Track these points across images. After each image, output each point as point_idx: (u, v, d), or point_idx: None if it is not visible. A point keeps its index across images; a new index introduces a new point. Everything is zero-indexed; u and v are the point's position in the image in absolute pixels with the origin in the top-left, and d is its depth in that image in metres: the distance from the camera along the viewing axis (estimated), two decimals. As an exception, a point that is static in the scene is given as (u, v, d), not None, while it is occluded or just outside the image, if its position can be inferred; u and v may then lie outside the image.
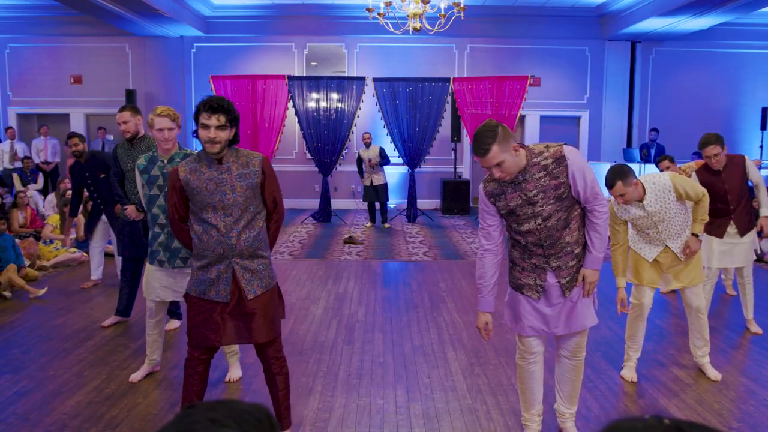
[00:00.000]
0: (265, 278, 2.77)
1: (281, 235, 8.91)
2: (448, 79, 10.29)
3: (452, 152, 11.73)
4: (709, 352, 3.86)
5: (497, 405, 3.39)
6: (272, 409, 2.95)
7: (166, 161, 3.54)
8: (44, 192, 10.54)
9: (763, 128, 11.18)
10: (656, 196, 3.44)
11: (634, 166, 9.13)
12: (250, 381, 3.74)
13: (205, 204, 2.67)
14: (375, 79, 10.26)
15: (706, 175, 4.47)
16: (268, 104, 10.03)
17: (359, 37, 11.97)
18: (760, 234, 6.72)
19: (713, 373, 3.75)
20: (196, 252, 2.76)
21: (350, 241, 8.37)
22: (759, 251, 4.86)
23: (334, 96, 10.20)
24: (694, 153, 10.38)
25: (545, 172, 2.59)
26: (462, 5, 8.31)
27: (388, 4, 8.29)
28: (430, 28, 8.86)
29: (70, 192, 7.78)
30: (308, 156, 11.33)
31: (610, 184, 3.32)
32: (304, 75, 11.58)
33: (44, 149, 11.28)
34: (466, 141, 11.48)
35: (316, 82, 10.29)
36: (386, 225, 9.84)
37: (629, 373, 3.76)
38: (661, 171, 5.56)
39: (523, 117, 12.06)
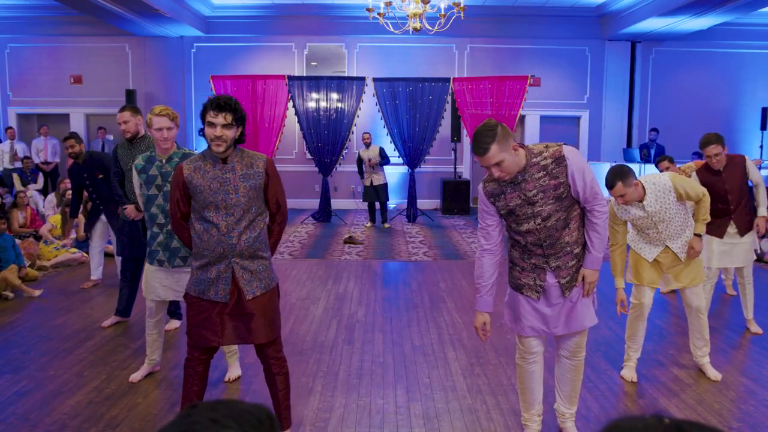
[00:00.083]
0: (264, 279, 2.77)
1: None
2: (448, 79, 10.29)
3: (452, 152, 11.73)
4: (709, 352, 3.86)
5: (497, 405, 3.39)
6: (272, 409, 2.95)
7: (164, 161, 3.54)
8: (44, 192, 10.54)
9: (763, 128, 11.18)
10: (656, 196, 3.44)
11: (634, 166, 9.14)
12: (250, 381, 3.74)
13: (207, 203, 2.67)
14: (375, 79, 10.26)
15: (707, 175, 4.47)
16: (268, 104, 10.03)
17: (359, 37, 11.97)
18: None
19: (713, 373, 3.75)
20: (196, 251, 2.76)
21: (350, 241, 8.37)
22: (759, 251, 4.85)
23: (334, 96, 10.20)
24: (694, 153, 10.38)
25: (545, 172, 2.59)
26: (462, 5, 8.31)
27: (388, 4, 8.29)
28: (430, 28, 8.86)
29: (70, 192, 7.80)
30: (308, 156, 11.33)
31: (610, 185, 3.32)
32: (304, 75, 11.59)
33: (44, 149, 11.28)
34: (466, 141, 11.48)
35: (316, 82, 10.29)
36: (386, 225, 9.84)
37: (629, 373, 3.76)
38: (661, 171, 5.56)
39: (523, 117, 12.06)
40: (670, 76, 12.27)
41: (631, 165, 8.79)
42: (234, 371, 3.76)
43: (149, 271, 3.61)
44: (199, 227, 2.72)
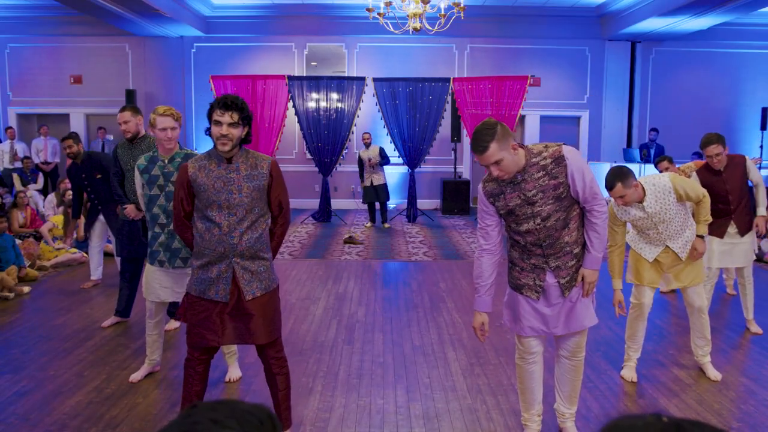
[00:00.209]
0: (265, 280, 2.77)
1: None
2: (448, 79, 10.29)
3: (452, 152, 11.73)
4: (710, 351, 3.86)
5: (497, 405, 3.39)
6: (272, 409, 2.95)
7: (166, 161, 3.54)
8: (44, 192, 10.54)
9: (763, 128, 11.18)
10: (656, 197, 3.44)
11: (634, 166, 9.14)
12: (250, 381, 3.74)
13: (210, 202, 2.68)
14: (375, 79, 10.26)
15: (707, 175, 4.47)
16: (268, 104, 10.03)
17: (359, 37, 11.97)
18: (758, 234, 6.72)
19: (713, 373, 3.75)
20: (197, 250, 2.77)
21: (350, 241, 8.37)
22: (757, 251, 4.85)
23: (334, 96, 10.20)
24: (694, 153, 10.39)
25: (544, 172, 2.59)
26: (462, 5, 8.31)
27: (388, 4, 8.29)
28: (430, 28, 8.86)
29: (69, 192, 7.80)
30: (308, 156, 11.33)
31: (609, 186, 3.32)
32: (304, 75, 11.59)
33: (44, 149, 11.28)
34: (466, 141, 11.48)
35: (316, 82, 10.29)
36: (386, 225, 9.84)
37: (629, 373, 3.76)
38: (660, 171, 5.56)
39: (523, 117, 12.06)
40: (670, 76, 12.27)
41: (631, 165, 8.81)
42: (234, 372, 3.76)
43: (149, 271, 3.61)
44: (201, 226, 2.73)
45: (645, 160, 9.87)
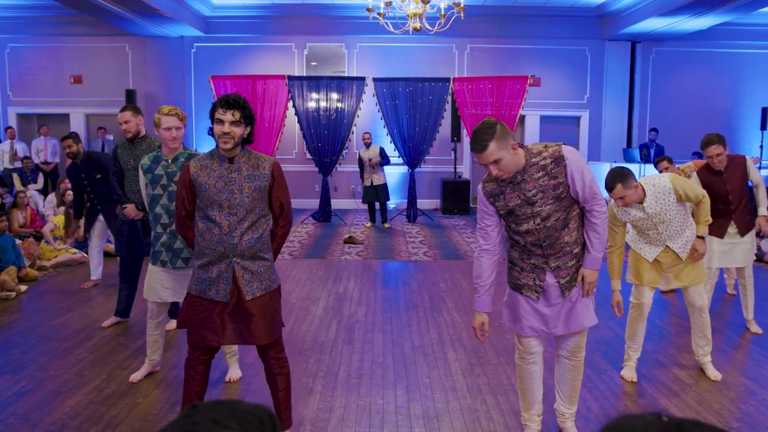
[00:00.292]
0: (265, 281, 2.77)
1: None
2: (448, 79, 10.29)
3: (452, 152, 11.73)
4: (711, 351, 3.86)
5: (497, 405, 3.39)
6: (273, 409, 2.95)
7: (170, 161, 3.54)
8: (44, 192, 10.54)
9: (763, 128, 11.18)
10: (656, 198, 3.44)
11: (634, 167, 9.14)
12: (250, 381, 3.74)
13: (211, 201, 2.69)
14: (375, 79, 10.26)
15: (708, 175, 4.47)
16: (268, 104, 10.03)
17: (359, 37, 11.97)
18: (759, 234, 6.72)
19: (713, 373, 3.75)
20: (197, 250, 2.77)
21: (350, 241, 8.37)
22: (756, 251, 4.86)
23: (334, 96, 10.20)
24: (695, 153, 10.39)
25: (544, 172, 2.59)
26: (462, 5, 8.31)
27: (388, 4, 8.29)
28: (430, 28, 8.86)
29: (69, 192, 7.80)
30: (308, 156, 11.33)
31: (609, 187, 3.31)
32: (304, 75, 11.59)
33: (44, 149, 11.28)
34: (466, 141, 11.48)
35: (316, 82, 10.29)
36: (386, 225, 9.84)
37: (629, 373, 3.76)
38: (660, 171, 5.56)
39: (523, 117, 12.06)
40: (670, 76, 12.28)
41: (631, 165, 8.81)
42: (234, 372, 3.76)
43: (151, 272, 3.61)
44: (202, 226, 2.73)
45: (645, 160, 9.86)
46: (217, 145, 2.72)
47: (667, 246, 3.64)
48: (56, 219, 7.59)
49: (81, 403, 3.40)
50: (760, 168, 9.01)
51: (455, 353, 4.18)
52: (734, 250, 4.55)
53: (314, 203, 11.59)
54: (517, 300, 2.82)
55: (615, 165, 5.06)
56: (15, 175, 10.47)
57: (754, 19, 11.40)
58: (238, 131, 2.67)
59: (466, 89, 10.19)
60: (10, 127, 11.32)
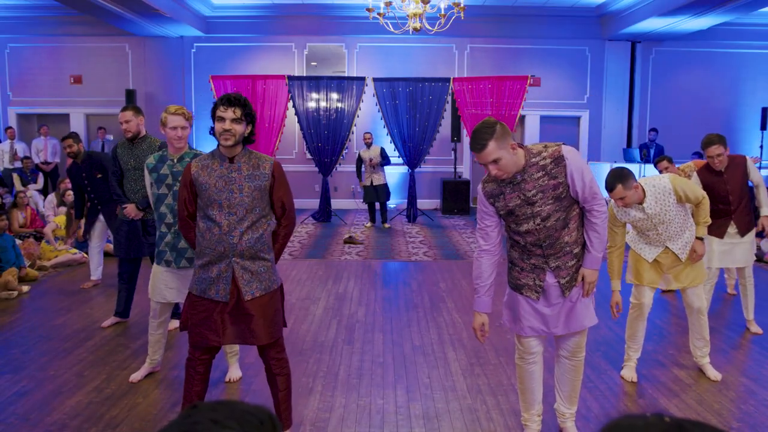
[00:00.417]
0: (265, 281, 2.77)
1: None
2: (448, 79, 10.29)
3: (452, 152, 11.73)
4: (709, 352, 3.86)
5: (497, 405, 3.39)
6: (273, 409, 2.95)
7: (175, 160, 3.55)
8: (44, 192, 10.54)
9: (763, 128, 11.18)
10: (656, 198, 3.44)
11: (634, 167, 9.14)
12: (250, 381, 3.74)
13: (211, 201, 2.69)
14: (375, 79, 10.26)
15: (708, 175, 4.47)
16: (268, 104, 10.03)
17: (359, 37, 11.97)
18: (760, 234, 6.72)
19: (713, 374, 3.75)
20: (198, 250, 2.78)
21: (350, 241, 8.37)
22: (756, 251, 4.87)
23: (334, 96, 10.20)
24: (695, 153, 10.39)
25: (544, 172, 2.59)
26: (462, 5, 8.31)
27: (388, 4, 8.29)
28: (430, 28, 8.86)
29: (70, 192, 7.79)
30: (308, 156, 11.33)
31: (609, 188, 3.31)
32: (304, 75, 11.59)
33: (44, 149, 11.28)
34: (466, 141, 11.48)
35: (316, 82, 10.29)
36: (386, 225, 9.84)
37: (629, 373, 3.76)
38: (660, 171, 5.56)
39: (523, 117, 12.07)
40: (670, 76, 12.28)
41: (631, 165, 8.82)
42: (234, 372, 3.76)
43: (156, 272, 3.61)
44: (202, 225, 2.74)
45: (645, 160, 9.86)
46: (218, 145, 2.73)
47: (666, 247, 3.64)
48: (57, 219, 7.58)
49: (81, 403, 3.40)
50: (760, 168, 9.01)
51: (455, 353, 4.18)
52: (734, 250, 4.54)
53: (314, 203, 11.59)
54: (517, 300, 2.82)
55: (615, 165, 5.05)
56: (15, 175, 10.47)
57: (754, 19, 11.40)
58: (239, 129, 2.68)
59: (466, 89, 10.19)
60: (10, 127, 11.32)
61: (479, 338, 2.80)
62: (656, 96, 12.33)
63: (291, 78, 10.17)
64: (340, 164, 10.69)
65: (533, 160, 2.61)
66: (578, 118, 12.46)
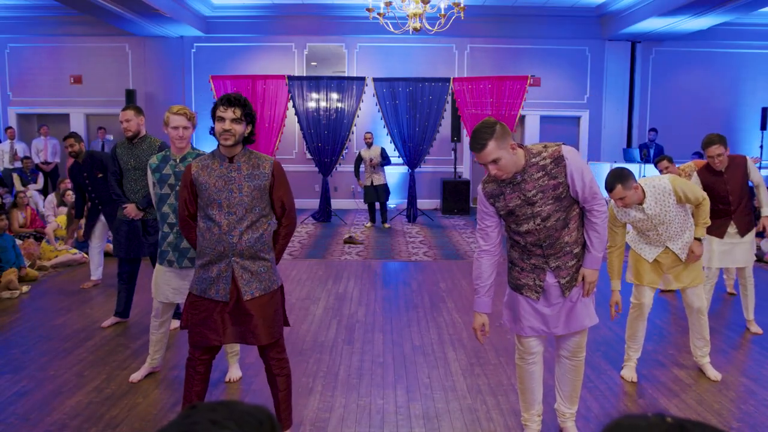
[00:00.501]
0: (264, 281, 2.77)
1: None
2: (448, 79, 10.29)
3: (452, 152, 11.73)
4: (710, 352, 3.86)
5: (497, 405, 3.39)
6: (273, 409, 2.95)
7: (178, 160, 3.56)
8: (44, 192, 10.54)
9: (763, 128, 11.18)
10: (656, 199, 3.44)
11: (634, 166, 9.14)
12: (250, 381, 3.74)
13: (211, 200, 2.70)
14: (375, 79, 10.26)
15: (708, 175, 4.47)
16: (268, 104, 10.03)
17: (359, 37, 11.97)
18: (760, 234, 6.72)
19: (713, 374, 3.75)
20: (199, 249, 2.78)
21: (350, 241, 8.37)
22: (756, 251, 4.87)
23: (334, 96, 10.20)
24: (695, 153, 10.38)
25: (544, 172, 2.59)
26: (462, 5, 8.31)
27: (388, 4, 8.29)
28: (430, 28, 8.86)
29: (69, 192, 7.79)
30: (308, 156, 11.33)
31: (609, 188, 3.31)
32: (304, 75, 11.59)
33: (44, 149, 11.28)
34: (466, 141, 11.47)
35: (316, 82, 10.29)
36: (386, 225, 9.84)
37: (629, 373, 3.76)
38: (660, 171, 5.56)
39: (523, 117, 12.07)
40: (670, 76, 12.27)
41: (630, 165, 8.82)
42: (234, 372, 3.76)
43: (159, 272, 3.61)
44: (202, 225, 2.75)
45: (645, 160, 9.86)
46: (218, 145, 2.74)
47: (667, 247, 3.64)
48: (59, 219, 7.59)
49: (81, 403, 3.40)
50: (760, 168, 9.01)
51: (455, 353, 4.18)
52: (734, 250, 4.54)
53: (314, 203, 11.59)
54: (517, 300, 2.82)
55: (615, 165, 5.05)
56: (15, 175, 10.47)
57: (754, 19, 11.40)
58: (239, 129, 2.68)
59: (466, 89, 10.19)
60: (10, 127, 11.32)
61: (479, 339, 2.80)
62: (656, 96, 12.33)
63: (291, 78, 10.17)
64: (340, 164, 10.69)
65: (533, 160, 2.61)
66: (578, 118, 12.46)
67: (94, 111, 12.27)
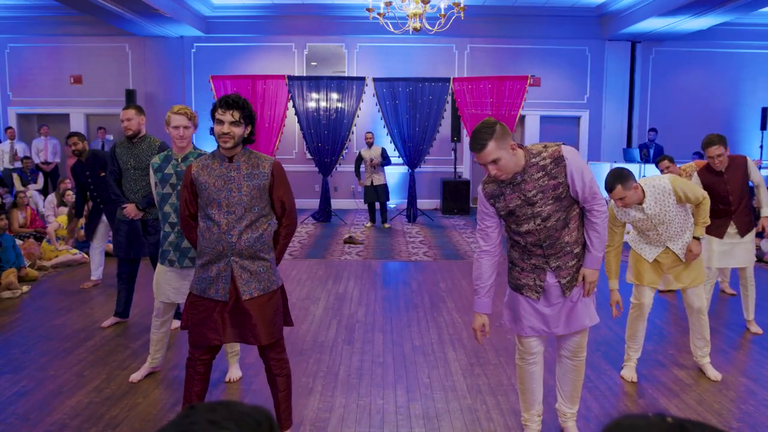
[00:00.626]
0: (264, 281, 2.77)
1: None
2: (448, 79, 10.29)
3: (452, 152, 11.73)
4: (710, 352, 3.86)
5: (497, 405, 3.39)
6: (273, 409, 2.95)
7: (180, 159, 3.56)
8: (44, 192, 10.54)
9: (763, 128, 11.18)
10: (656, 199, 3.44)
11: (634, 167, 9.14)
12: (250, 381, 3.74)
13: (211, 200, 2.70)
14: (375, 79, 10.26)
15: (708, 176, 4.46)
16: (268, 104, 10.03)
17: (359, 37, 11.97)
18: (760, 234, 6.72)
19: (713, 374, 3.75)
20: (199, 249, 2.79)
21: (350, 241, 8.37)
22: (756, 251, 4.86)
23: (334, 96, 10.20)
24: (695, 153, 10.38)
25: (544, 173, 2.59)
26: (462, 5, 8.31)
27: (388, 4, 8.29)
28: (430, 28, 8.86)
29: (70, 192, 7.79)
30: (308, 156, 11.33)
31: (609, 188, 3.31)
32: (304, 75, 11.59)
33: (44, 149, 11.28)
34: (466, 141, 11.47)
35: (316, 82, 10.29)
36: (386, 225, 9.85)
37: (629, 373, 3.76)
38: (661, 171, 5.56)
39: (523, 117, 12.06)
40: (670, 76, 12.27)
41: (630, 165, 8.82)
42: (234, 372, 3.76)
43: (160, 272, 3.61)
44: (202, 225, 2.75)
45: (645, 160, 9.86)
46: (218, 146, 2.74)
47: (667, 247, 3.64)
48: (60, 219, 7.59)
49: (81, 403, 3.40)
50: (760, 169, 9.00)
51: (455, 353, 4.18)
52: (734, 251, 4.54)
53: (314, 203, 11.59)
54: (517, 300, 2.82)
55: (615, 165, 5.05)
56: (15, 175, 10.47)
57: (754, 19, 11.40)
58: (238, 131, 2.69)
59: (466, 89, 10.19)
60: (10, 127, 11.32)
61: (478, 339, 2.80)
62: (656, 96, 12.33)
63: (291, 78, 10.17)
64: (340, 164, 10.69)
65: (533, 160, 2.60)
66: (578, 118, 12.46)
67: (94, 111, 12.26)
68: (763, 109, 11.25)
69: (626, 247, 3.79)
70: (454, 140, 11.27)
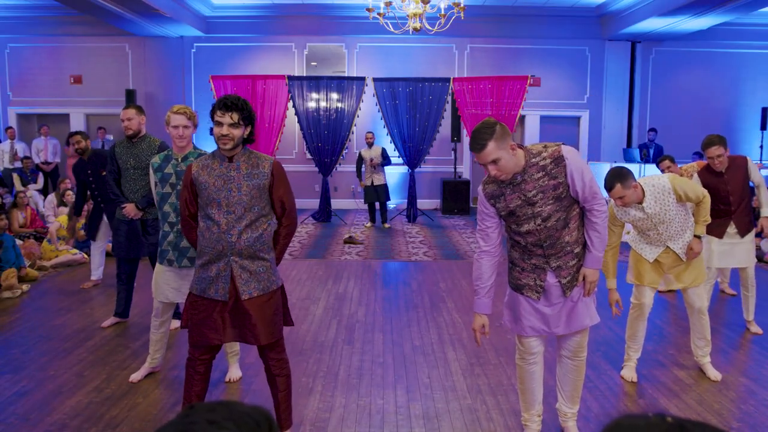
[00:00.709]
0: (263, 281, 2.77)
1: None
2: (448, 79, 10.29)
3: (452, 152, 11.73)
4: (710, 352, 3.85)
5: (497, 405, 3.39)
6: (273, 409, 2.95)
7: (180, 159, 3.56)
8: (44, 192, 10.54)
9: (763, 128, 11.18)
10: (656, 198, 3.44)
11: (634, 166, 9.13)
12: (250, 381, 3.74)
13: (211, 200, 2.71)
14: (375, 79, 10.26)
15: (709, 176, 4.46)
16: (268, 104, 10.03)
17: (359, 37, 11.97)
18: (759, 234, 6.72)
19: (713, 374, 3.75)
20: (199, 249, 2.79)
21: (350, 241, 8.37)
22: (756, 251, 4.86)
23: (334, 96, 10.20)
24: (695, 153, 10.38)
25: (544, 173, 2.59)
26: (462, 5, 8.31)
27: (388, 4, 8.29)
28: (430, 28, 8.86)
29: (70, 192, 7.79)
30: (308, 156, 11.33)
31: (609, 187, 3.31)
32: (304, 75, 11.59)
33: (44, 149, 11.28)
34: (466, 141, 11.47)
35: (316, 82, 10.29)
36: (386, 225, 9.84)
37: (629, 373, 3.76)
38: (662, 171, 5.56)
39: (523, 117, 12.06)
40: (670, 76, 12.27)
41: (630, 165, 8.80)
42: (234, 372, 3.76)
43: (159, 271, 3.61)
44: (202, 225, 2.76)
45: (645, 160, 9.86)
46: (217, 144, 2.75)
47: (667, 246, 3.64)
48: (61, 219, 7.59)
49: (81, 403, 3.40)
50: (761, 170, 8.99)
51: (455, 353, 4.18)
52: (734, 251, 4.54)
53: (314, 203, 11.59)
54: (517, 300, 2.82)
55: (615, 165, 5.05)
56: (15, 175, 10.47)
57: (754, 19, 11.40)
58: (237, 133, 2.69)
59: (466, 89, 10.18)
60: (10, 127, 11.32)
61: (477, 339, 2.80)
62: (656, 96, 12.33)
63: (291, 78, 10.17)
64: (340, 164, 10.69)
65: (533, 160, 2.60)
66: (578, 118, 12.46)
67: (94, 111, 12.26)
68: (763, 109, 11.24)
69: (626, 247, 3.79)
70: (454, 140, 11.27)
